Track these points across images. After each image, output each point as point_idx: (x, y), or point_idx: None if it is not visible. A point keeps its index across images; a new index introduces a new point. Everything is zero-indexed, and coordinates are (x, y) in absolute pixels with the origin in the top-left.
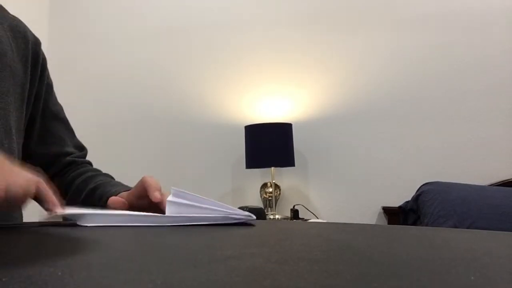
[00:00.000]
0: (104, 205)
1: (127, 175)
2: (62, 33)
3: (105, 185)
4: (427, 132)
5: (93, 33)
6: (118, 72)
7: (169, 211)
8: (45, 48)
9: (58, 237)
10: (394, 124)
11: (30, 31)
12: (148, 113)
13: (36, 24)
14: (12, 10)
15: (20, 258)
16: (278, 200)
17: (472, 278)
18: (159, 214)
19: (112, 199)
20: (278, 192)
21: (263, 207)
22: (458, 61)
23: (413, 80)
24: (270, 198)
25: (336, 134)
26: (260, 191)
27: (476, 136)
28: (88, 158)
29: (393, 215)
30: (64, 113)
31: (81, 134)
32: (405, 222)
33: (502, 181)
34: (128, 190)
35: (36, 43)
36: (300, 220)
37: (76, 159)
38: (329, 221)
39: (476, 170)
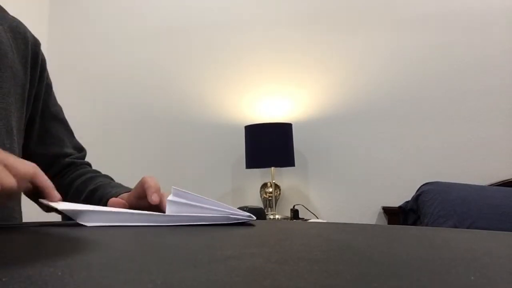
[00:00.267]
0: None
1: (127, 175)
2: (62, 33)
3: (105, 186)
4: (427, 132)
5: (93, 33)
6: (118, 72)
7: (169, 210)
8: (45, 48)
9: (58, 237)
10: (394, 124)
11: (30, 32)
12: (148, 113)
13: (36, 24)
14: (12, 10)
15: (20, 258)
16: (278, 200)
17: (472, 278)
18: (159, 213)
19: (112, 200)
20: (278, 192)
21: (263, 207)
22: (458, 61)
23: (413, 80)
24: (270, 198)
25: (336, 134)
26: (260, 191)
27: (476, 136)
28: (88, 158)
29: (393, 215)
30: (63, 114)
31: (81, 134)
32: (405, 222)
33: (502, 181)
34: (128, 192)
35: (36, 44)
36: (300, 220)
37: (75, 160)
38: (329, 221)
39: (476, 170)
